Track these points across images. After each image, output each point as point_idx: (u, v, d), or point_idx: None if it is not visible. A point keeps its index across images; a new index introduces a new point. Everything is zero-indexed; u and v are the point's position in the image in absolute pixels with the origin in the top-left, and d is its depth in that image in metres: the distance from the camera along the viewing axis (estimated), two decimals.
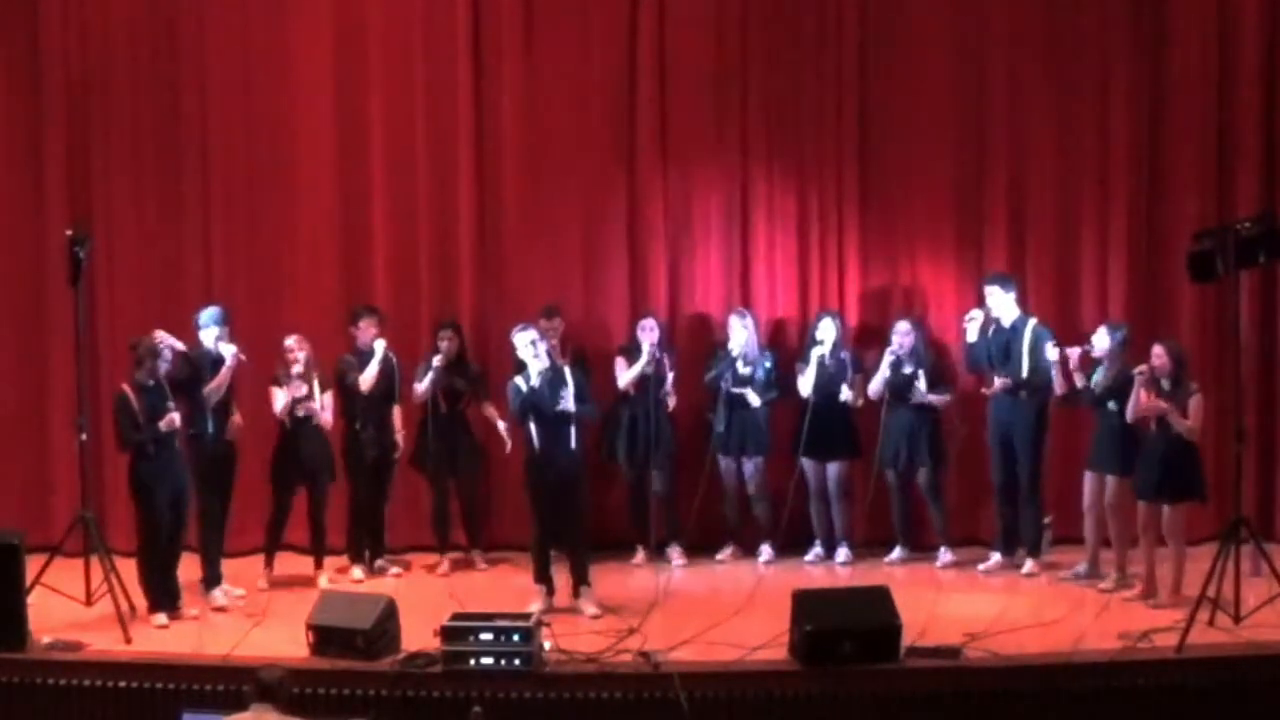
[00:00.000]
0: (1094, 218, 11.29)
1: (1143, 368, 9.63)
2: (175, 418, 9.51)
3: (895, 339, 10.77)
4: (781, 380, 10.99)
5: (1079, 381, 10.17)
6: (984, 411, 10.85)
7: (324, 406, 10.52)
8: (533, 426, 9.79)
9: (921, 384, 10.69)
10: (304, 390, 10.37)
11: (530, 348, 9.76)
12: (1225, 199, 11.19)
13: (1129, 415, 9.74)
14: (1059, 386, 10.31)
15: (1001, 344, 10.62)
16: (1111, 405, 9.91)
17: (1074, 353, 10.15)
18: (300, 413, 10.41)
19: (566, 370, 9.90)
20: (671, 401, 11.03)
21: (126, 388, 9.53)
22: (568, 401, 9.68)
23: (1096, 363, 10.09)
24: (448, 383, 10.81)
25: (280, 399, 10.36)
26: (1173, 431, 9.52)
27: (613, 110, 11.38)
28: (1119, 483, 9.97)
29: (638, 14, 11.30)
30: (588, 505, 10.15)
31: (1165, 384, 9.57)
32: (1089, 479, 10.21)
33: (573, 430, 9.80)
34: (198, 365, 9.84)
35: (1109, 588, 9.98)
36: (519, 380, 9.83)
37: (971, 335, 10.73)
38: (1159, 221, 11.25)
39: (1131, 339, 10.20)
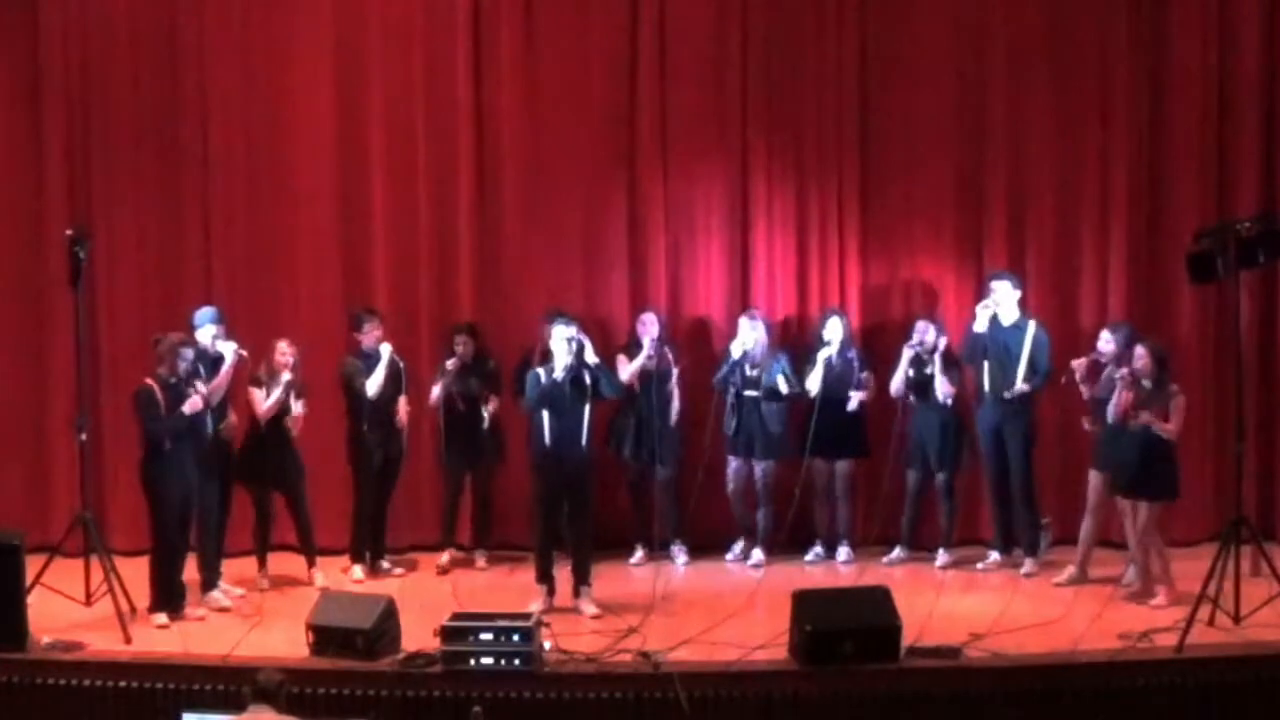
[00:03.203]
0: (1094, 218, 11.28)
1: (1124, 371, 9.63)
2: (198, 400, 9.50)
3: (915, 336, 10.76)
4: (800, 378, 10.94)
5: (1085, 392, 10.13)
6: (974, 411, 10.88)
7: (298, 418, 10.46)
8: (545, 419, 9.78)
9: (938, 384, 10.68)
10: (289, 397, 10.34)
11: (564, 344, 9.75)
12: (1225, 199, 11.20)
13: (1111, 416, 9.73)
14: (1085, 393, 10.21)
15: (1002, 341, 10.61)
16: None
17: (1080, 364, 10.15)
18: (289, 424, 10.40)
19: (586, 373, 9.83)
20: (676, 401, 11.02)
21: (150, 381, 9.54)
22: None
23: (1103, 367, 10.07)
24: (464, 386, 10.83)
25: (262, 401, 10.31)
26: (1152, 432, 9.53)
27: (613, 110, 11.38)
28: (1149, 508, 9.68)
29: (638, 14, 11.30)
30: (594, 504, 10.13)
31: (1147, 384, 9.57)
32: (1095, 478, 10.14)
33: (585, 427, 9.79)
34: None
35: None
36: (540, 371, 9.82)
37: (980, 325, 10.67)
38: (1159, 221, 11.24)
39: (1132, 336, 10.21)
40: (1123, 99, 11.19)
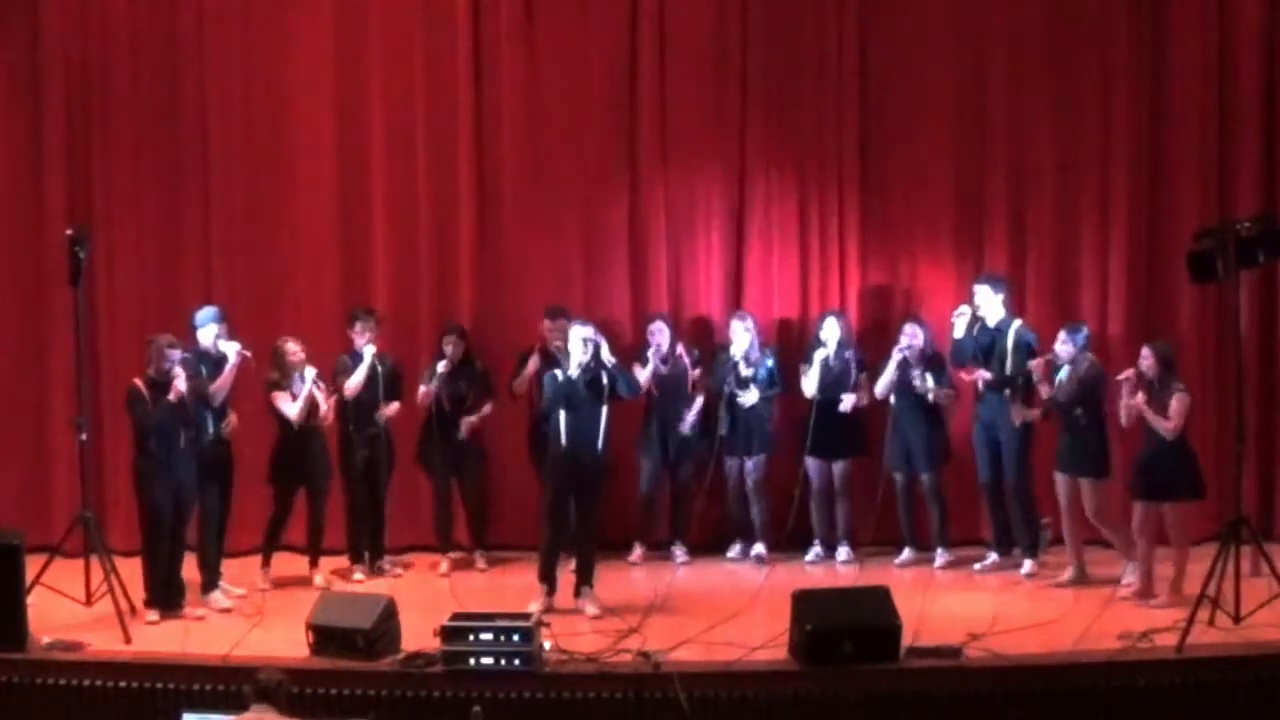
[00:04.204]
0: (1094, 218, 11.29)
1: (1128, 372, 9.62)
2: (181, 384, 9.49)
3: (903, 339, 10.76)
4: (784, 377, 10.99)
5: (1044, 392, 10.18)
6: (971, 411, 10.90)
7: (328, 412, 10.54)
8: (562, 419, 9.77)
9: (929, 382, 10.68)
10: (320, 393, 10.39)
11: (581, 343, 9.74)
12: (1225, 199, 11.20)
13: (1122, 420, 9.73)
14: (1043, 394, 10.30)
15: (986, 344, 10.64)
16: (1078, 411, 9.92)
17: (1037, 364, 10.17)
18: (321, 419, 10.44)
19: (604, 374, 9.82)
20: (694, 406, 11.02)
21: (138, 381, 9.56)
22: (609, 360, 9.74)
23: (1058, 368, 10.10)
24: (452, 387, 10.83)
25: (289, 403, 10.33)
26: (1161, 434, 9.52)
27: (613, 110, 11.39)
28: (1094, 487, 9.95)
29: (638, 14, 11.31)
30: (603, 506, 10.15)
31: (1155, 385, 9.57)
32: (1061, 481, 10.20)
33: (602, 428, 9.77)
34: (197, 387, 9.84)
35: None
36: (557, 371, 9.82)
37: (958, 332, 10.74)
38: (1159, 221, 11.25)
39: (1091, 340, 10.25)
40: (1123, 100, 11.19)
